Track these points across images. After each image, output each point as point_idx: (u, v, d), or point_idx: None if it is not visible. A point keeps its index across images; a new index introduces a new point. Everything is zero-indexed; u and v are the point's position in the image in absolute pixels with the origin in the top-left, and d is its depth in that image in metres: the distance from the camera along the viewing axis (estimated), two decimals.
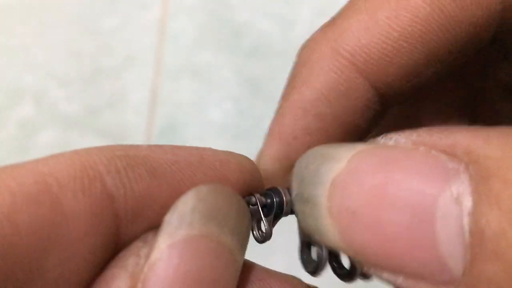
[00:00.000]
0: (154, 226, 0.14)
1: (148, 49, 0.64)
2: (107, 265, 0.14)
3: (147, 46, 0.64)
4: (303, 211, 0.15)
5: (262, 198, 0.17)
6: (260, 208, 0.16)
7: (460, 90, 0.21)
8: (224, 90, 0.61)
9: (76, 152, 0.14)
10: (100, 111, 0.61)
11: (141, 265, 0.13)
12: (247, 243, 0.15)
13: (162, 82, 0.62)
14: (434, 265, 0.12)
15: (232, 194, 0.15)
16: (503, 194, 0.11)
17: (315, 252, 0.16)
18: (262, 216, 0.16)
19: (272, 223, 0.17)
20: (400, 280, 0.13)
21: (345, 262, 0.16)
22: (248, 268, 0.16)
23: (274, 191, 0.17)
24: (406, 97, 0.18)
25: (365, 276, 0.16)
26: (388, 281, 0.13)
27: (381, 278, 0.13)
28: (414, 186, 0.12)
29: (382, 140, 0.14)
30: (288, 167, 0.18)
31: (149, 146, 0.15)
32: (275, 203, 0.16)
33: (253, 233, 0.16)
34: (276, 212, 0.16)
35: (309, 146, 0.17)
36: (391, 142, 0.14)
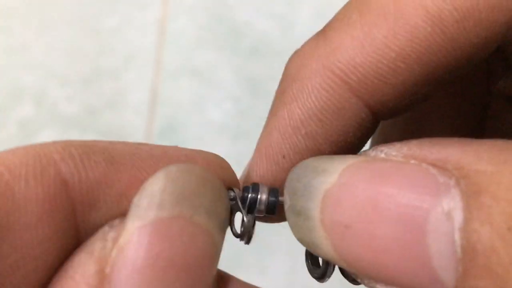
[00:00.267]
0: (120, 214, 0.14)
1: (148, 49, 0.64)
2: (71, 252, 0.14)
3: (147, 46, 0.64)
4: (296, 223, 0.15)
5: (240, 192, 0.17)
6: (238, 201, 0.16)
7: (464, 102, 0.21)
8: (224, 90, 0.61)
9: (32, 145, 0.14)
10: (100, 111, 0.61)
11: (108, 248, 0.13)
12: (227, 225, 0.15)
13: (162, 82, 0.62)
14: (426, 278, 0.12)
15: (205, 173, 0.14)
16: (494, 210, 0.11)
17: (322, 258, 0.16)
18: (241, 208, 0.16)
19: (251, 220, 0.17)
20: None
21: None
22: (225, 281, 0.16)
23: (253, 187, 0.17)
24: (402, 112, 0.17)
25: None
26: None
27: None
28: (406, 200, 0.12)
29: (373, 153, 0.14)
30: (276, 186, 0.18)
31: (111, 141, 0.15)
32: (248, 198, 0.16)
33: (231, 229, 0.16)
34: (250, 207, 0.16)
35: None
36: (382, 155, 0.14)
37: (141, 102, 0.61)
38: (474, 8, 0.14)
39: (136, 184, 0.14)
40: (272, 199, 0.17)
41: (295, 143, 0.17)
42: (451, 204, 0.11)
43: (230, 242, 0.17)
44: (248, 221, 0.16)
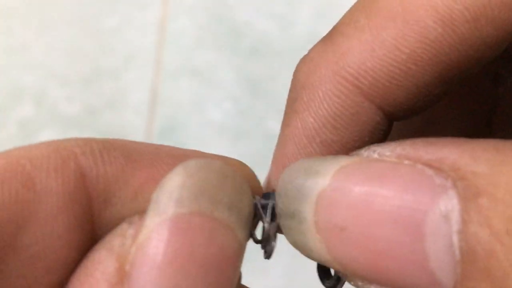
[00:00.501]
0: (135, 211, 0.14)
1: (148, 49, 0.64)
2: (90, 248, 0.14)
3: (147, 46, 0.64)
4: (289, 227, 0.15)
5: (262, 199, 0.16)
6: (260, 208, 0.16)
7: (471, 103, 0.21)
8: (224, 90, 0.61)
9: (55, 140, 0.14)
10: (100, 111, 0.61)
11: (127, 245, 0.13)
12: (250, 221, 0.15)
13: (162, 82, 0.62)
14: (424, 281, 0.12)
15: (225, 168, 0.14)
16: (492, 213, 0.11)
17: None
18: (262, 214, 0.16)
19: (274, 228, 0.16)
20: None
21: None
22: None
23: (274, 193, 0.17)
24: (416, 113, 0.17)
25: None
26: None
27: None
28: (402, 202, 0.12)
29: (365, 153, 0.14)
30: None
31: (132, 140, 0.15)
32: (269, 204, 0.16)
33: (252, 235, 0.16)
34: (272, 214, 0.16)
35: None
36: (375, 155, 0.14)
37: (141, 102, 0.61)
38: (486, 7, 0.14)
39: (152, 182, 0.14)
40: None
41: (311, 153, 0.17)
42: (449, 206, 0.11)
43: None
44: (270, 229, 0.16)
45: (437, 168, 0.12)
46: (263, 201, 0.16)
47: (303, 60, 0.17)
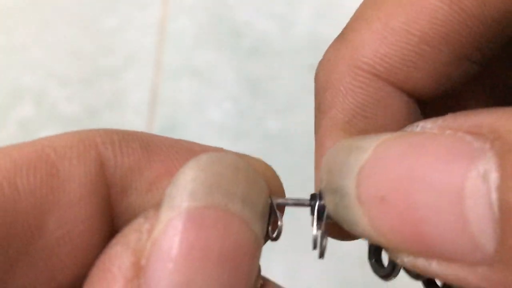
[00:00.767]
0: (150, 203, 0.14)
1: (148, 49, 0.64)
2: (107, 240, 0.14)
3: (147, 46, 0.64)
4: (332, 202, 0.15)
5: (278, 199, 0.16)
6: (275, 207, 0.16)
7: (496, 83, 0.21)
8: (224, 90, 0.61)
9: (79, 130, 0.15)
10: (100, 111, 0.61)
11: (143, 240, 0.13)
12: (265, 215, 0.15)
13: (162, 82, 0.62)
14: (466, 244, 0.12)
15: (238, 162, 0.14)
16: None
17: (388, 256, 0.16)
18: (279, 214, 0.16)
19: (322, 230, 0.16)
20: (433, 265, 0.13)
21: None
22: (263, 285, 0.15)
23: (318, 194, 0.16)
24: (445, 92, 0.17)
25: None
26: (422, 270, 0.13)
27: (414, 266, 0.13)
28: (441, 167, 0.12)
29: (408, 128, 0.14)
30: None
31: (152, 134, 0.16)
32: (316, 205, 0.16)
33: (267, 231, 0.16)
34: (319, 215, 0.16)
35: None
36: (417, 129, 0.14)
37: (141, 102, 0.61)
38: None
39: (168, 175, 0.15)
40: None
41: None
42: (487, 166, 0.11)
43: None
44: (319, 231, 0.16)
45: (476, 133, 0.12)
46: (310, 202, 0.16)
47: (320, 64, 0.18)
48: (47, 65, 0.63)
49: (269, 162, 0.18)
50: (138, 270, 0.13)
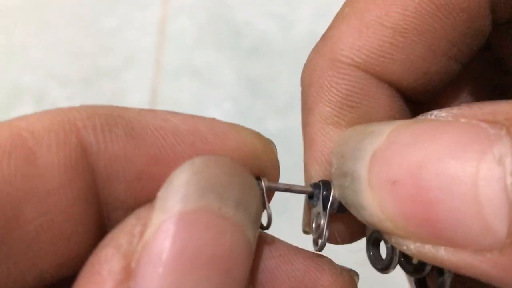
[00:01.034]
0: (142, 192, 0.14)
1: (148, 49, 0.64)
2: (96, 229, 0.14)
3: (147, 46, 0.64)
4: (342, 186, 0.15)
5: (273, 184, 0.16)
6: (265, 194, 0.15)
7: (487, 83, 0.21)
8: (224, 90, 0.61)
9: (59, 109, 0.14)
10: None
11: (134, 243, 0.13)
12: (259, 218, 0.14)
13: (162, 82, 0.62)
14: (477, 227, 0.12)
15: (233, 165, 0.14)
16: None
17: (386, 249, 0.16)
18: (266, 202, 0.15)
19: (325, 220, 0.16)
20: (441, 252, 0.13)
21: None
22: (268, 242, 0.15)
23: (324, 183, 0.16)
24: (434, 94, 0.18)
25: (439, 271, 0.16)
26: (429, 257, 0.13)
27: (420, 253, 0.13)
28: (456, 152, 0.12)
29: (423, 116, 0.14)
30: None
31: (141, 110, 0.15)
32: (320, 195, 0.16)
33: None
34: (323, 205, 0.16)
35: None
36: (432, 117, 0.14)
37: (141, 102, 0.61)
38: None
39: (156, 163, 0.14)
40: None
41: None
42: (503, 151, 0.12)
43: None
44: (323, 222, 0.16)
45: (492, 120, 0.12)
46: (313, 191, 0.16)
47: (304, 65, 0.18)
48: (47, 65, 0.63)
49: None
50: (128, 274, 0.13)
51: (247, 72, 0.62)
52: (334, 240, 0.17)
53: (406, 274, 0.17)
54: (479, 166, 0.12)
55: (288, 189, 0.16)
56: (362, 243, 0.18)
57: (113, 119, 0.14)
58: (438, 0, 0.16)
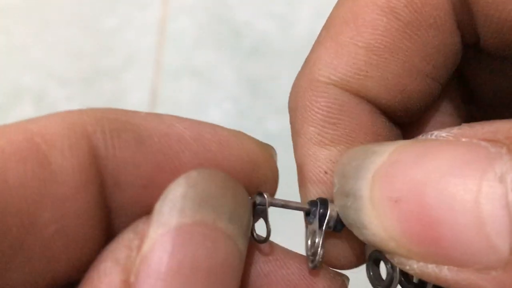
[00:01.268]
0: (148, 199, 0.14)
1: (148, 49, 0.64)
2: (104, 236, 0.14)
3: (147, 46, 0.64)
4: (344, 206, 0.15)
5: (271, 199, 0.16)
6: (267, 210, 0.16)
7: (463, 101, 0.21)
8: (224, 90, 0.61)
9: (68, 112, 0.14)
10: None
11: (133, 257, 0.13)
12: (249, 231, 0.15)
13: (162, 82, 0.62)
14: (481, 245, 0.12)
15: (227, 179, 0.14)
16: None
17: (386, 269, 0.16)
18: (268, 219, 0.16)
19: (321, 238, 0.16)
20: (444, 271, 0.13)
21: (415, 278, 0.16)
22: (264, 247, 0.16)
23: (321, 201, 0.16)
24: (416, 114, 0.18)
25: None
26: (432, 277, 0.13)
27: (424, 273, 0.13)
28: (457, 170, 0.12)
29: (423, 137, 0.15)
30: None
31: (147, 114, 0.15)
32: (317, 213, 0.16)
33: (252, 234, 0.16)
34: (319, 223, 0.16)
35: None
36: (432, 137, 0.14)
37: (141, 102, 0.61)
38: None
39: (162, 170, 0.14)
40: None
41: (328, 156, 0.17)
42: (504, 169, 0.12)
43: None
44: (318, 240, 0.16)
45: (492, 139, 0.12)
46: (309, 208, 0.16)
47: (291, 90, 0.19)
48: (47, 65, 0.63)
49: None
50: (128, 287, 0.13)
51: (247, 72, 0.62)
52: (334, 264, 0.18)
53: None
54: (480, 184, 0.12)
55: (285, 205, 0.17)
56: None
57: (122, 124, 0.14)
58: (405, 17, 0.16)
